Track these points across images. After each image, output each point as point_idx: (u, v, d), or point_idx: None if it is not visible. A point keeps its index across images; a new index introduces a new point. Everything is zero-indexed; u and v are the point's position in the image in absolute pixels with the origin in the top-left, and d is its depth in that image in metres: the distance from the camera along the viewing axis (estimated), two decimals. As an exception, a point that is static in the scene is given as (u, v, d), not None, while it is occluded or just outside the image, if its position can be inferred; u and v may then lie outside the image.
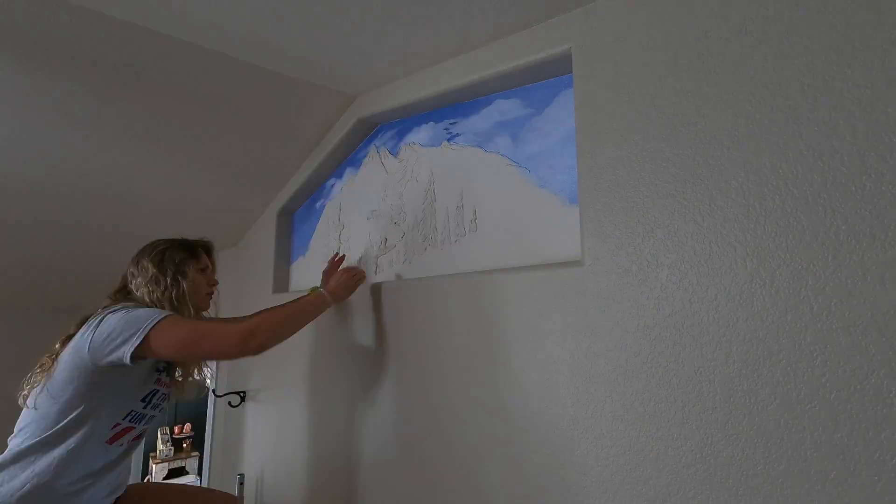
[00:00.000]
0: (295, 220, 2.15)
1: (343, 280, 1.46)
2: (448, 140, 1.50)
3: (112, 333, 1.07)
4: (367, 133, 1.78)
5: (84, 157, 1.73)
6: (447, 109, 1.52)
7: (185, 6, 1.15)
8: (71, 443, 1.08)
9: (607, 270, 1.03)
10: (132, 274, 1.28)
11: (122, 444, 1.17)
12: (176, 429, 5.28)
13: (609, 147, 1.05)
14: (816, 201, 0.81)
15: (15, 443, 1.09)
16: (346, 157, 1.88)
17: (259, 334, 1.17)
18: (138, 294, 1.23)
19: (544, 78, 1.29)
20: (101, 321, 1.10)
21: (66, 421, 1.07)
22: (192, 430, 5.24)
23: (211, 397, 2.60)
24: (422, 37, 1.29)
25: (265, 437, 2.00)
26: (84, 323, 1.17)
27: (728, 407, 0.86)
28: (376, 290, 1.57)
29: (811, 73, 0.83)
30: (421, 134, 1.59)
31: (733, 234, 0.88)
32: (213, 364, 1.94)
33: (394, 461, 1.43)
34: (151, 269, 1.23)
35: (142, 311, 1.12)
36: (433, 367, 1.35)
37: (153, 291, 1.21)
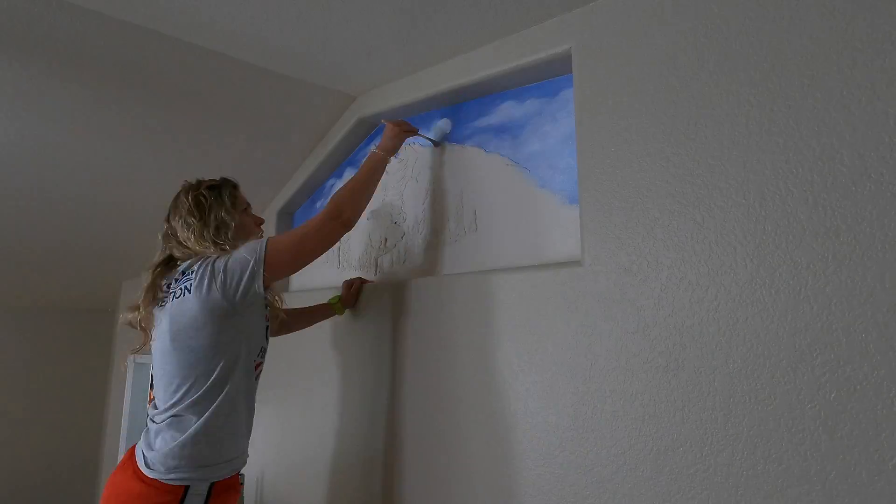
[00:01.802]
0: (295, 220, 2.15)
1: (390, 132, 1.39)
2: (448, 140, 1.50)
3: (234, 274, 1.08)
4: (367, 133, 1.78)
5: (84, 156, 1.73)
6: (447, 109, 1.52)
7: (186, 6, 1.15)
8: (230, 387, 1.11)
9: (607, 270, 1.03)
10: (173, 234, 1.20)
11: (258, 380, 1.22)
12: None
13: (609, 147, 1.05)
14: (816, 201, 0.81)
15: (174, 401, 1.09)
16: (346, 157, 1.88)
17: (345, 209, 1.21)
18: (199, 248, 1.16)
19: (544, 78, 1.29)
20: (211, 271, 1.09)
21: (219, 370, 1.09)
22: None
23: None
24: (422, 37, 1.29)
25: (265, 437, 2.00)
26: (172, 284, 1.15)
27: (728, 407, 0.86)
28: (376, 290, 1.57)
29: (811, 73, 0.83)
30: (421, 133, 1.59)
31: (733, 234, 0.88)
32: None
33: (394, 461, 1.43)
34: (197, 225, 1.17)
35: (242, 249, 1.12)
36: (433, 366, 1.35)
37: (213, 240, 1.16)
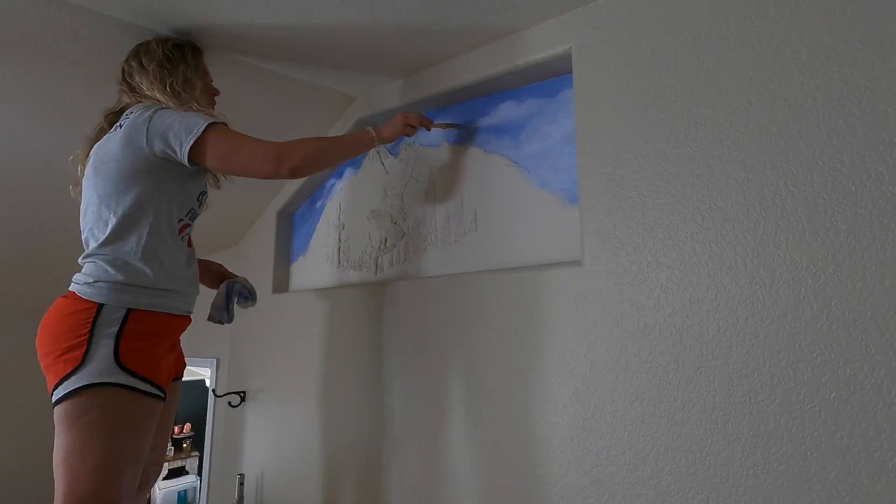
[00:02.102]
0: (295, 220, 2.15)
1: (396, 120, 1.32)
2: (448, 140, 1.50)
3: (167, 130, 1.04)
4: (367, 133, 1.78)
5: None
6: (447, 109, 1.52)
7: (186, 7, 1.15)
8: (149, 227, 1.07)
9: (607, 270, 1.03)
10: (129, 74, 1.16)
11: (185, 240, 1.18)
12: (175, 429, 5.28)
13: (609, 147, 1.05)
14: (816, 201, 0.81)
15: (96, 236, 1.08)
16: (346, 157, 1.88)
17: (295, 155, 1.09)
18: (161, 99, 1.12)
19: (544, 78, 1.29)
20: (142, 115, 1.06)
21: (129, 206, 1.06)
22: (191, 430, 5.23)
23: (211, 397, 2.60)
24: (422, 37, 1.29)
25: (265, 437, 2.00)
26: (113, 117, 1.15)
27: (728, 407, 0.86)
28: (376, 290, 1.58)
29: (811, 73, 0.83)
30: (421, 133, 1.59)
31: (733, 234, 0.88)
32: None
33: (394, 461, 1.43)
34: (156, 71, 1.13)
35: (193, 115, 1.07)
36: (433, 366, 1.35)
37: (179, 93, 1.13)
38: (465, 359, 1.28)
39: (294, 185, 2.01)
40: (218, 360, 2.60)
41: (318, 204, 2.01)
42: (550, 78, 1.28)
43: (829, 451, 0.77)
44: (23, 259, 2.46)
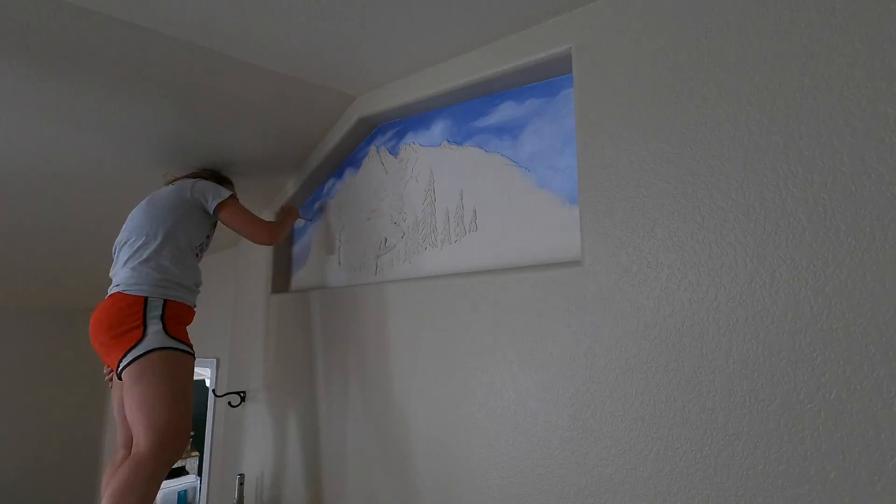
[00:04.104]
0: (295, 220, 2.15)
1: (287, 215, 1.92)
2: (448, 140, 1.50)
3: (205, 190, 1.64)
4: (367, 133, 1.78)
5: (83, 156, 1.73)
6: (447, 109, 1.52)
7: (185, 6, 1.15)
8: (179, 245, 1.56)
9: (607, 270, 1.03)
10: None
11: (199, 260, 1.66)
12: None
13: (609, 147, 1.05)
14: (816, 201, 0.81)
15: (139, 248, 1.51)
16: (346, 157, 1.88)
17: (276, 236, 1.74)
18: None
19: (544, 78, 1.29)
20: (194, 182, 1.65)
21: (170, 227, 1.55)
22: (192, 430, 5.25)
23: (211, 397, 2.60)
24: (422, 37, 1.29)
25: (265, 437, 2.00)
26: (174, 183, 1.72)
27: (728, 407, 0.86)
28: (376, 290, 1.58)
29: (811, 73, 0.83)
30: (421, 133, 1.59)
31: (733, 234, 0.88)
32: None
33: (395, 461, 1.43)
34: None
35: (222, 188, 1.68)
36: (433, 366, 1.35)
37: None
38: (465, 358, 1.28)
39: (294, 185, 2.01)
40: (218, 360, 2.61)
41: (318, 204, 2.01)
42: (550, 78, 1.28)
43: (829, 451, 0.77)
44: (22, 258, 2.46)
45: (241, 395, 2.18)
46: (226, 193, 1.65)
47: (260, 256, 2.19)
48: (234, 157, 1.87)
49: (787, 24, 0.86)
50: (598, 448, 1.01)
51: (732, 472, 0.85)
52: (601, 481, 1.00)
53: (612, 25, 1.08)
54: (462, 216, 1.42)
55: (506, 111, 1.37)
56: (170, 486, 3.53)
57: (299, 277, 2.07)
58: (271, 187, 2.08)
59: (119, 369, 1.38)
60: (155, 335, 1.40)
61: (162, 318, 1.44)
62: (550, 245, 1.22)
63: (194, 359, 1.50)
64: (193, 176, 1.76)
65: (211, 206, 1.63)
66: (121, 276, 1.49)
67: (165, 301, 1.46)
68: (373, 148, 1.76)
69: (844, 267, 0.78)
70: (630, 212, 1.01)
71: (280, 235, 1.78)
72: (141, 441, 1.31)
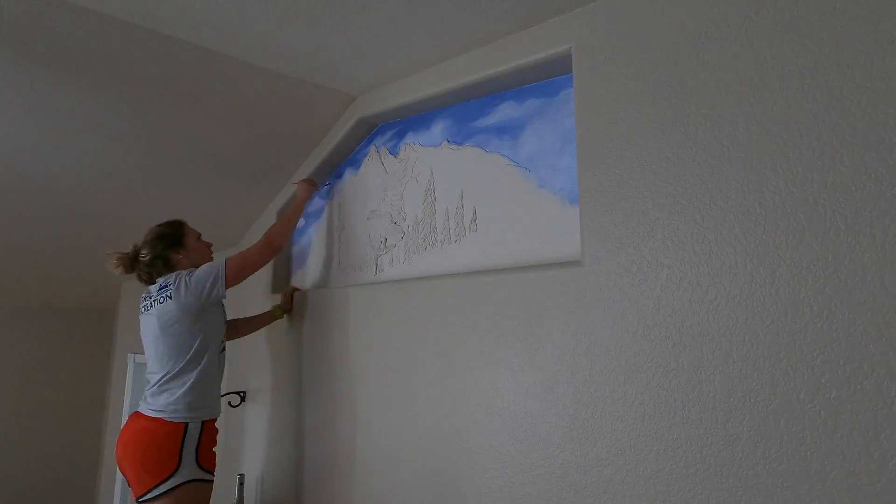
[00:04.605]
0: (295, 220, 2.15)
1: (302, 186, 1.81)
2: (448, 140, 1.50)
3: (203, 283, 1.52)
4: (367, 133, 1.78)
5: (83, 156, 1.73)
6: (447, 109, 1.52)
7: (186, 6, 1.15)
8: (205, 360, 1.54)
9: (607, 270, 1.03)
10: (148, 262, 1.60)
11: (222, 361, 1.66)
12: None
13: (609, 147, 1.05)
14: (816, 201, 0.81)
15: (166, 370, 1.51)
16: (346, 157, 1.88)
17: (275, 241, 1.66)
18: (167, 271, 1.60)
19: (544, 78, 1.29)
20: (181, 284, 1.52)
21: (196, 347, 1.53)
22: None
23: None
24: (422, 37, 1.29)
25: (265, 437, 2.00)
26: (150, 300, 1.58)
27: (728, 407, 0.86)
28: (376, 290, 1.58)
29: (811, 73, 0.83)
30: (421, 133, 1.59)
31: (733, 234, 0.88)
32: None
33: (395, 461, 1.43)
34: (162, 253, 1.60)
35: (204, 266, 1.56)
36: (434, 366, 1.35)
37: (178, 264, 1.61)
38: (465, 358, 1.28)
39: (293, 185, 2.01)
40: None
41: (318, 204, 2.01)
42: (550, 78, 1.28)
43: (829, 451, 0.77)
44: (22, 259, 2.46)
45: (241, 395, 2.18)
46: (217, 264, 1.55)
47: (260, 256, 2.19)
48: (234, 157, 1.87)
49: (787, 24, 0.86)
50: (598, 448, 1.01)
51: (732, 472, 0.85)
52: (601, 481, 1.00)
53: (612, 25, 1.08)
54: (462, 216, 1.42)
55: (506, 111, 1.37)
56: (170, 486, 3.54)
57: (299, 277, 2.07)
58: (271, 187, 2.08)
59: (143, 497, 1.43)
60: (187, 467, 1.45)
61: (197, 448, 1.48)
62: (550, 245, 1.22)
63: (213, 483, 1.54)
64: (152, 262, 1.59)
65: (224, 290, 1.54)
66: (158, 403, 1.50)
67: (204, 423, 1.51)
68: (373, 148, 1.76)
69: (844, 267, 0.78)
70: (630, 212, 1.01)
71: (280, 235, 1.69)
72: None
